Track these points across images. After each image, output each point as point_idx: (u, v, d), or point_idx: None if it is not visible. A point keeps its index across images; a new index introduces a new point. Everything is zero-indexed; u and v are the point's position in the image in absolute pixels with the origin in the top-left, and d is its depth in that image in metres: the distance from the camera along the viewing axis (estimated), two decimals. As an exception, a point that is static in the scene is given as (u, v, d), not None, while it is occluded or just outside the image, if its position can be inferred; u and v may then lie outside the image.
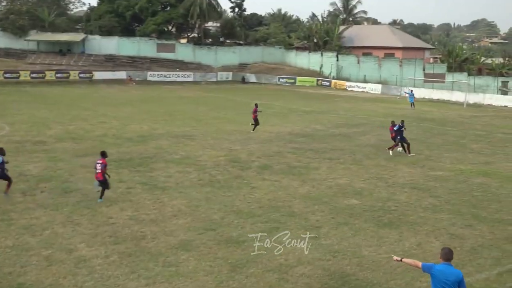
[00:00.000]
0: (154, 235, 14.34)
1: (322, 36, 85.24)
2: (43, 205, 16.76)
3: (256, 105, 33.22)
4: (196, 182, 20.07)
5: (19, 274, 11.82)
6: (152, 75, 73.99)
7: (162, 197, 17.92)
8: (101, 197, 17.30)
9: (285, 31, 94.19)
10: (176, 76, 75.60)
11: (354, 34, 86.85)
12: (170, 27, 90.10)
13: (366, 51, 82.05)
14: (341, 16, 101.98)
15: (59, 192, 18.27)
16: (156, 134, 30.84)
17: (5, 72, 65.39)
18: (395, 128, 26.20)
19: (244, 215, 16.23)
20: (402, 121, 26.85)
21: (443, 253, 8.44)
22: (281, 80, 78.43)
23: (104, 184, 17.23)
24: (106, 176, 17.22)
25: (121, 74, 71.47)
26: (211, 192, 18.79)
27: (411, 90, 54.16)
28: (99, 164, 17.10)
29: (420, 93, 61.08)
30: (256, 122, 32.44)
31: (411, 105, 50.82)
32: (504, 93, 58.30)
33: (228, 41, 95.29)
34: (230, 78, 79.50)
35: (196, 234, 14.50)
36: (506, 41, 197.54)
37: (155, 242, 13.82)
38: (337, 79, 76.23)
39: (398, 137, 26.20)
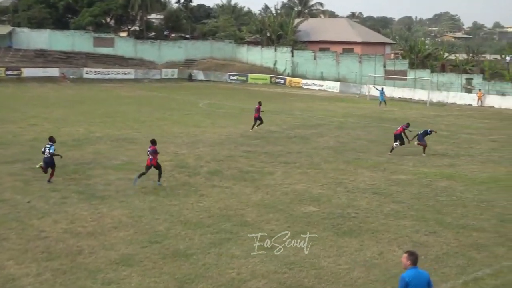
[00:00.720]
0: (92, 249, 14.13)
1: (276, 29, 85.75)
2: (-35, 218, 16.31)
3: (259, 103, 34.58)
4: (139, 190, 19.88)
5: None
6: (89, 72, 72.83)
7: (100, 207, 17.67)
8: (159, 180, 20.48)
9: (235, 24, 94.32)
10: (115, 73, 74.58)
11: (310, 27, 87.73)
12: (108, 19, 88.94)
13: (323, 46, 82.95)
14: (296, 8, 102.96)
15: (-17, 204, 17.79)
16: (94, 137, 30.42)
17: None
18: (420, 133, 28.18)
19: (192, 225, 16.17)
20: (431, 131, 28.75)
21: (414, 258, 9.18)
22: (231, 77, 78.50)
23: (159, 168, 20.40)
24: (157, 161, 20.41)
25: (54, 71, 70.03)
26: (156, 200, 18.64)
27: (382, 88, 55.27)
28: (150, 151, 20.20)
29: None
30: (257, 120, 33.89)
31: (380, 103, 52.12)
32: (469, 91, 59.98)
33: (173, 34, 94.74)
34: (175, 76, 79.00)
35: (139, 247, 14.36)
36: (470, 36, 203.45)
37: (93, 257, 13.62)
38: (292, 76, 76.81)
39: (421, 138, 28.07)
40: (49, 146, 20.45)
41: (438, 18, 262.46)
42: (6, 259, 13.37)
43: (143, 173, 20.28)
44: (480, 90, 57.45)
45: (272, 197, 19.56)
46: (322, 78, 73.77)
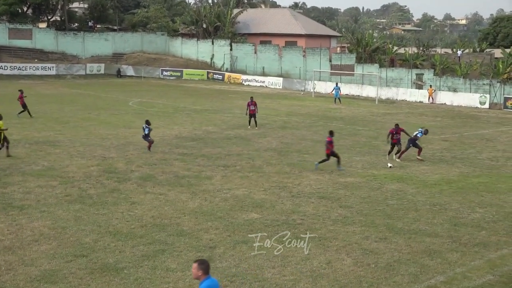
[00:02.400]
0: (9, 265, 13.84)
1: (213, 21, 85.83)
2: None
3: (251, 98, 36.80)
4: (63, 198, 19.57)
5: None
6: (4, 68, 71.43)
7: (19, 218, 17.31)
8: (339, 164, 24.80)
9: (168, 14, 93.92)
10: (34, 68, 73.35)
11: (250, 19, 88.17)
12: (25, 8, 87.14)
13: (264, 38, 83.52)
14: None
15: None
16: (10, 140, 29.61)
17: None
18: (418, 134, 27.83)
19: (123, 236, 16.01)
20: (426, 130, 28.62)
21: (205, 266, 9.02)
22: (164, 73, 78.13)
23: (334, 155, 24.64)
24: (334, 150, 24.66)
25: (-37, 67, 68.39)
26: (82, 210, 18.37)
27: (337, 83, 55.97)
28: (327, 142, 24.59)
29: (327, 88, 62.99)
30: (253, 117, 36.39)
31: (335, 100, 53.20)
32: (419, 87, 61.44)
33: (98, 26, 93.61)
34: (102, 71, 78.17)
35: (64, 262, 14.14)
36: (420, 29, 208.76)
37: (11, 275, 13.34)
38: (231, 71, 77.05)
39: (410, 144, 27.72)
40: (145, 127, 27.71)
41: (386, 9, 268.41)
42: None
43: (325, 160, 24.84)
44: (431, 86, 58.93)
45: (211, 203, 19.55)
46: (263, 74, 74.27)
